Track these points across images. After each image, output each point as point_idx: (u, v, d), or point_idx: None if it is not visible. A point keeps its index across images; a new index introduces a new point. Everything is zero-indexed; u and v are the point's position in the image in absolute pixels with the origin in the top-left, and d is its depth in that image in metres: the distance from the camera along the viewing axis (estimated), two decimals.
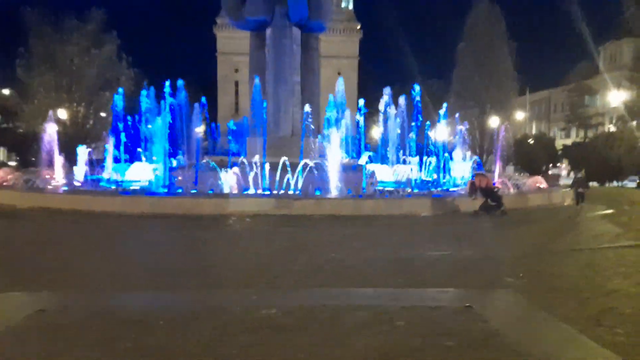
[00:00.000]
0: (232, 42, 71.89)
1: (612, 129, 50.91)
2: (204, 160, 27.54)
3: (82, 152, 25.35)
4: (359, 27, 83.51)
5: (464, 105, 48.07)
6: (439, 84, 59.68)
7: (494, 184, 17.25)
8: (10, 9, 45.19)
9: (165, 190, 21.44)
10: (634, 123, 46.90)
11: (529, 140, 55.12)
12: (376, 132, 50.96)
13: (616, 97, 48.96)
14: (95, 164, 26.17)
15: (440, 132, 51.63)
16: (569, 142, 57.94)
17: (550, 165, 54.58)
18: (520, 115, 58.67)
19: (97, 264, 9.02)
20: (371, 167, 21.84)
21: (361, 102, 30.18)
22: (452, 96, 49.06)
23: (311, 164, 20.92)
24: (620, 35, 57.91)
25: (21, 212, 16.36)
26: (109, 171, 25.60)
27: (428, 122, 32.00)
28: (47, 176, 26.78)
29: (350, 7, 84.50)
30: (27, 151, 40.86)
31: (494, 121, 51.09)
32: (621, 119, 47.40)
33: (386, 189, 21.25)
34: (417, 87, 26.74)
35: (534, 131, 71.86)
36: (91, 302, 6.58)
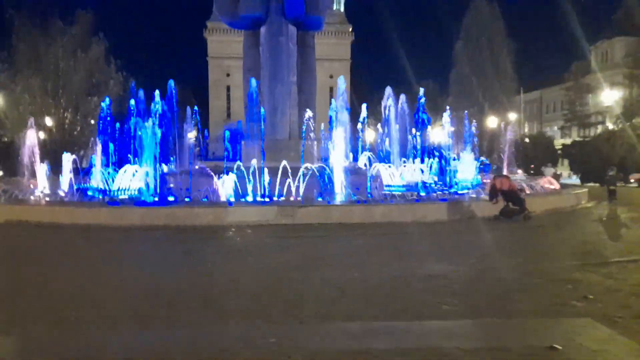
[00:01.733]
0: (223, 45, 70.68)
1: (611, 127, 50.10)
2: (198, 166, 26.11)
3: (67, 160, 23.75)
4: (350, 29, 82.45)
5: (462, 105, 47.04)
6: (433, 85, 58.78)
7: (518, 186, 15.92)
8: None
9: (157, 199, 19.96)
10: (634, 121, 46.08)
11: (525, 140, 54.15)
12: (370, 134, 49.82)
13: (613, 96, 48.16)
14: (82, 172, 24.61)
15: (436, 134, 50.67)
16: (567, 141, 57.02)
17: (549, 165, 53.57)
18: (513, 116, 57.82)
19: (76, 288, 7.56)
20: (376, 167, 20.42)
21: (363, 106, 28.66)
22: (451, 96, 48.04)
23: (313, 167, 19.58)
24: (611, 34, 57.62)
25: None
26: (96, 180, 24.04)
27: (427, 123, 30.72)
28: (31, 186, 25.24)
29: (342, 9, 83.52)
30: (12, 160, 39.18)
31: (492, 121, 50.16)
32: (622, 116, 46.54)
33: (393, 192, 19.91)
34: (420, 88, 25.46)
35: (526, 131, 71.01)
36: (61, 346, 5.14)
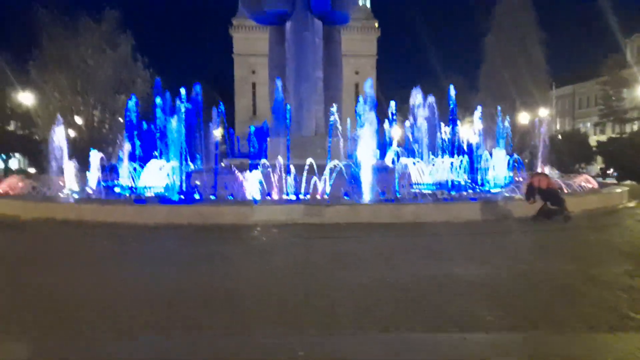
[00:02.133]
0: (248, 43, 70.65)
1: None
2: (223, 164, 25.92)
3: (95, 157, 23.83)
4: (376, 24, 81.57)
5: (492, 101, 45.84)
6: (462, 80, 57.53)
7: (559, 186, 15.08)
8: (22, 8, 44.16)
9: (182, 197, 19.79)
10: None
11: (558, 137, 52.50)
12: (397, 131, 48.97)
13: None
14: (109, 170, 24.67)
15: (466, 130, 49.50)
16: (602, 138, 55.06)
17: (584, 164, 51.80)
18: (545, 112, 56.19)
19: (97, 291, 7.27)
20: (404, 163, 19.76)
21: (392, 103, 27.92)
22: (480, 92, 46.86)
23: (340, 165, 19.09)
24: None
25: (23, 223, 14.76)
26: (124, 177, 24.08)
27: (456, 119, 29.84)
28: (60, 183, 25.46)
29: (368, 4, 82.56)
30: (43, 158, 39.84)
31: (523, 117, 48.73)
32: None
33: (423, 191, 19.27)
34: (450, 84, 24.68)
35: (558, 128, 69.02)
36: (76, 356, 4.81)
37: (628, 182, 35.75)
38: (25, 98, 45.81)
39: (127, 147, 24.99)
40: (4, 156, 52.27)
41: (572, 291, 7.02)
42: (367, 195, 17.53)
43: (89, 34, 43.33)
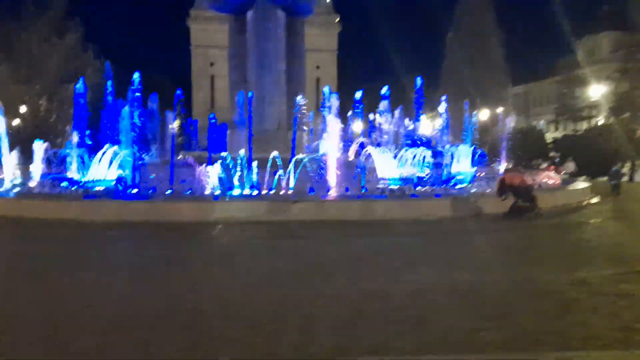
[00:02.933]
0: (207, 34, 68.27)
1: (602, 121, 49.68)
2: (181, 157, 24.56)
3: (39, 148, 22.01)
4: (337, 19, 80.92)
5: (453, 98, 46.13)
6: (422, 76, 57.72)
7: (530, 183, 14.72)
8: None
9: (136, 191, 18.48)
10: (624, 116, 45.69)
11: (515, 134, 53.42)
12: (358, 125, 48.58)
13: (601, 90, 47.75)
14: (59, 162, 22.84)
15: (426, 126, 49.38)
16: (557, 135, 56.52)
17: (540, 159, 52.97)
18: (501, 109, 57.21)
19: (25, 305, 6.19)
20: (368, 151, 19.07)
21: (358, 94, 27.18)
22: (440, 88, 47.01)
23: (305, 159, 18.30)
24: (598, 29, 57.80)
25: None
26: (72, 170, 22.37)
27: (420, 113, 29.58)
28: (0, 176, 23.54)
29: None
30: None
31: (484, 114, 49.36)
32: (615, 110, 46.07)
33: (390, 186, 18.72)
34: (418, 78, 24.26)
35: (513, 125, 70.44)
36: None
37: (582, 177, 36.65)
38: None
39: (74, 137, 23.23)
40: None
41: (567, 299, 6.47)
42: (333, 191, 16.81)
43: (34, 20, 40.62)
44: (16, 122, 41.18)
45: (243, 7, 26.20)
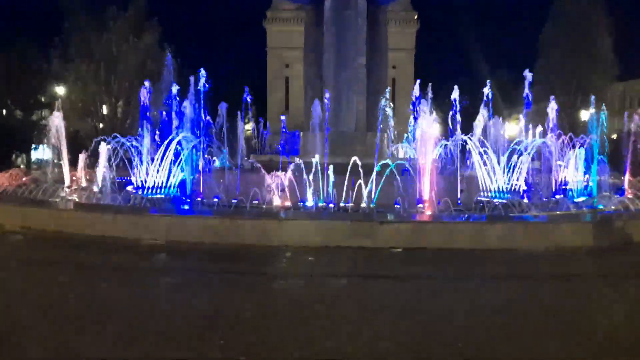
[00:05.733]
0: (282, 35, 67.63)
1: None
2: (249, 160, 22.38)
3: (104, 150, 20.67)
4: (416, 16, 77.04)
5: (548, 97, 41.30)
6: (508, 75, 52.63)
7: None
8: None
9: (199, 199, 16.46)
10: None
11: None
12: (436, 127, 44.88)
13: None
14: (124, 165, 21.40)
15: (513, 129, 44.63)
16: None
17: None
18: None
19: None
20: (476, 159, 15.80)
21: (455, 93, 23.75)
22: (536, 87, 42.19)
23: (391, 165, 15.38)
24: None
25: None
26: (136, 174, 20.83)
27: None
28: (73, 178, 22.62)
29: None
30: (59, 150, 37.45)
31: (584, 115, 43.90)
32: None
33: (494, 200, 15.35)
34: (529, 72, 20.54)
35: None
36: None
37: None
38: (50, 88, 43.68)
39: (146, 139, 21.63)
40: (36, 147, 50.62)
41: None
42: (426, 206, 13.72)
43: (114, 21, 40.67)
44: (60, 118, 41.58)
45: None
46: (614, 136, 48.38)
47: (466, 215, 12.47)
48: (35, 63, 42.87)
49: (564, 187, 20.40)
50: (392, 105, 25.64)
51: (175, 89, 20.65)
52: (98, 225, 10.96)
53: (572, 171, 20.34)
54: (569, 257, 9.46)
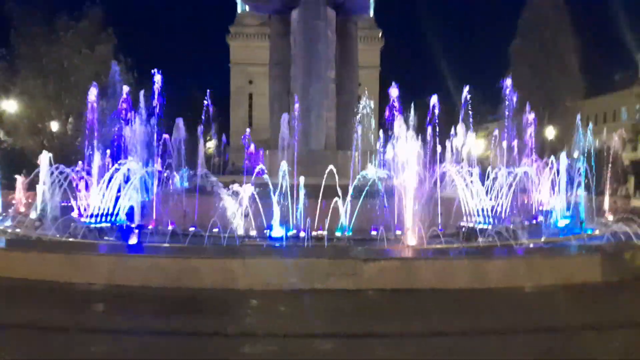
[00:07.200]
0: (246, 51, 66.32)
1: None
2: (210, 179, 20.52)
3: (44, 169, 18.38)
4: (380, 34, 77.10)
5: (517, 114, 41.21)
6: (473, 92, 52.73)
7: None
8: None
9: (147, 228, 14.55)
10: None
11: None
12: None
13: None
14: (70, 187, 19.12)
15: (479, 145, 44.34)
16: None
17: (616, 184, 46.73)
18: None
19: None
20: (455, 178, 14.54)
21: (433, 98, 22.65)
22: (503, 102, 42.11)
23: (368, 185, 14.00)
24: None
25: None
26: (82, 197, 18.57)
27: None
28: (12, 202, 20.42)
29: (371, 13, 78.17)
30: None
31: (550, 132, 44.13)
32: None
33: (477, 226, 14.09)
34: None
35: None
36: None
37: None
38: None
39: (97, 158, 19.43)
40: None
41: None
42: (410, 235, 12.27)
43: (66, 32, 38.22)
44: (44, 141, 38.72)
45: (288, 5, 22.31)
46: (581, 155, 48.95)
47: (460, 250, 11.05)
48: None
49: (541, 208, 19.51)
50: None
51: (124, 105, 18.72)
52: (20, 266, 8.97)
53: (549, 193, 19.53)
54: (574, 294, 8.12)
